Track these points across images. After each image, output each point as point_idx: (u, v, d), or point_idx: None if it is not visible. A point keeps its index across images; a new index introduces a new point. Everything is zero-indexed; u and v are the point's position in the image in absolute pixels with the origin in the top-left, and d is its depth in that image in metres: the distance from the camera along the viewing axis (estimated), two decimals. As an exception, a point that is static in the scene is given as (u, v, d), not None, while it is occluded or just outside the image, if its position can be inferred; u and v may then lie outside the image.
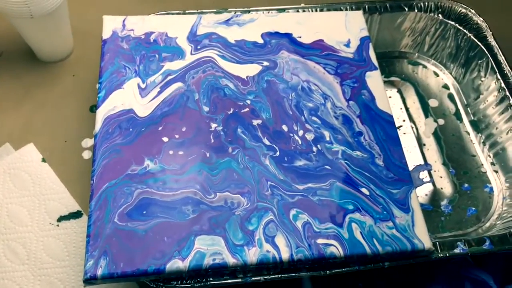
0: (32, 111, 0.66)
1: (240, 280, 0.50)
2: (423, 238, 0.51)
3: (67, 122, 0.65)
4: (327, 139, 0.57)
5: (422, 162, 0.66)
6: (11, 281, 0.54)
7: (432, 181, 0.65)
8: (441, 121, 0.70)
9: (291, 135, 0.56)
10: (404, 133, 0.68)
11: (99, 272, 0.47)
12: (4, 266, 0.55)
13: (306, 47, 0.64)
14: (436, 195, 0.64)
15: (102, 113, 0.56)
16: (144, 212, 0.50)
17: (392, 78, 0.73)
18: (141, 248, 0.48)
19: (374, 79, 0.62)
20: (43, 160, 0.62)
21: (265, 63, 0.62)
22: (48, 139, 0.64)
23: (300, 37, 0.65)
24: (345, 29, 0.65)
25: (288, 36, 0.64)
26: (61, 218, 0.58)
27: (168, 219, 0.50)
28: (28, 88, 0.67)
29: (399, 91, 0.72)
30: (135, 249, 0.48)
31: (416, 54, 0.76)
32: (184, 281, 0.49)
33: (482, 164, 0.66)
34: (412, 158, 0.66)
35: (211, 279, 0.49)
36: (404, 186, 0.54)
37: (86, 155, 0.63)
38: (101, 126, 0.55)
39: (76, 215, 0.58)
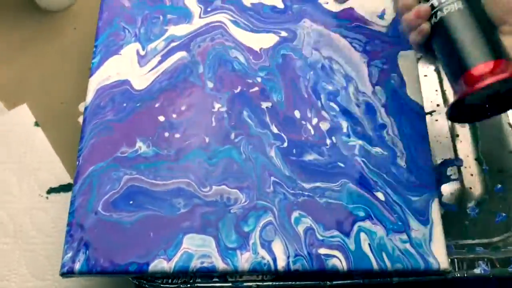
0: (27, 66, 0.61)
1: (230, 284, 0.46)
2: (439, 256, 0.45)
3: (65, 82, 0.60)
4: (344, 130, 0.50)
5: (452, 156, 0.58)
6: (-4, 254, 0.52)
7: (460, 178, 0.57)
8: (480, 109, 0.61)
9: (304, 123, 0.50)
10: (436, 120, 0.60)
11: (77, 266, 0.43)
12: (-11, 236, 0.52)
13: (333, 16, 0.55)
14: (463, 195, 0.57)
15: (95, 83, 0.51)
16: (131, 202, 0.46)
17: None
18: (124, 243, 0.44)
19: (407, 61, 0.53)
20: (36, 124, 0.57)
21: (283, 34, 0.54)
22: (43, 99, 0.59)
23: (327, 3, 0.56)
24: (381, -4, 0.56)
25: (313, 1, 0.56)
26: (51, 190, 0.54)
27: (156, 212, 0.45)
28: (25, 40, 0.62)
29: (437, 70, 0.63)
30: (117, 244, 0.44)
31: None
32: (170, 280, 0.45)
33: (521, 163, 0.58)
34: (442, 151, 0.59)
35: (199, 280, 0.46)
36: (426, 193, 0.47)
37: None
38: (92, 98, 0.50)
39: (67, 188, 0.55)
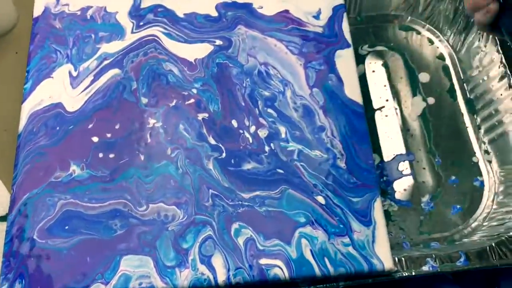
0: (-32, 94, 0.60)
1: (173, 303, 0.45)
2: (383, 257, 0.44)
3: (6, 107, 0.59)
4: (283, 136, 0.49)
5: (403, 152, 0.58)
6: None
7: (413, 173, 0.57)
8: (431, 100, 0.60)
9: (241, 132, 0.49)
10: (386, 116, 0.60)
11: (13, 298, 0.42)
12: None
13: (268, 20, 0.54)
14: (417, 190, 0.56)
15: (27, 109, 0.50)
16: (67, 227, 0.45)
17: (378, 48, 0.63)
18: (61, 270, 0.43)
19: (345, 60, 0.52)
20: (-20, 153, 0.57)
21: (218, 42, 0.53)
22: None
23: (262, 7, 0.55)
24: (316, -5, 0.55)
25: (247, 6, 0.55)
26: (-3, 219, 0.54)
27: (92, 236, 0.44)
28: (-36, 68, 0.61)
29: (385, 64, 0.62)
30: (54, 271, 0.43)
31: (409, 17, 0.65)
32: (112, 303, 0.45)
33: (475, 153, 0.58)
34: (392, 146, 0.58)
35: (141, 301, 0.45)
36: (368, 193, 0.47)
37: (27, 146, 0.57)
38: (25, 124, 0.49)
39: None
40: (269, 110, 0.50)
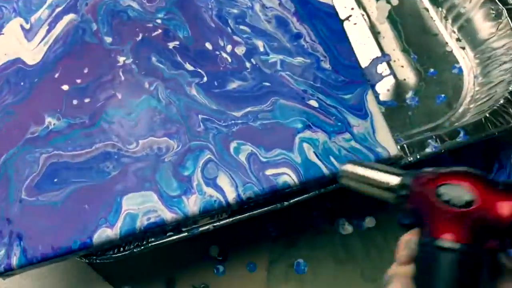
0: None
1: (186, 234, 0.43)
2: (387, 144, 0.44)
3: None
4: (261, 49, 0.47)
5: (379, 54, 0.57)
6: None
7: (392, 73, 0.56)
8: (394, 1, 0.60)
9: (218, 53, 0.47)
10: (355, 24, 0.59)
11: (14, 261, 0.39)
12: None
13: None
14: (399, 88, 0.56)
15: (-18, 70, 0.46)
16: (56, 179, 0.42)
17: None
18: (59, 223, 0.40)
19: (307, -35, 0.51)
20: None
21: (173, -31, 0.50)
22: None
23: None
24: None
25: None
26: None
27: (85, 183, 0.42)
28: None
29: (344, -26, 0.61)
30: (52, 226, 0.40)
31: None
32: (122, 248, 0.42)
33: (447, 43, 0.58)
34: (367, 51, 0.57)
35: (152, 239, 0.42)
36: (358, 88, 0.46)
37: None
38: (-16, 86, 0.45)
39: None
40: (242, 27, 0.48)
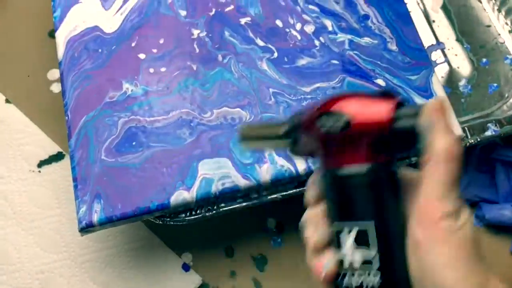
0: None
1: (256, 201, 0.44)
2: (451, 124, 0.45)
3: (26, 53, 0.56)
4: (330, 29, 0.48)
5: (434, 42, 0.58)
6: (1, 240, 0.48)
7: (447, 60, 0.58)
8: (449, -8, 0.61)
9: (288, 30, 0.48)
10: (410, 11, 0.60)
11: (95, 218, 0.41)
12: (-11, 225, 0.49)
13: None
14: (453, 75, 0.57)
15: (62, 36, 0.47)
16: (134, 143, 0.43)
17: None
18: (138, 184, 0.42)
19: (373, -50, 0.52)
20: (7, 101, 0.53)
21: (244, -52, 0.52)
22: (7, 75, 0.55)
23: None
24: None
25: None
26: (41, 163, 0.51)
27: (163, 147, 0.43)
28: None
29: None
30: (131, 186, 0.42)
31: None
32: (194, 212, 0.44)
33: (499, 34, 0.59)
34: (422, 39, 0.58)
35: (222, 204, 0.44)
36: (424, 70, 0.47)
37: (55, 88, 0.54)
38: (64, 51, 0.47)
39: (57, 157, 0.51)
40: (311, 7, 0.49)
